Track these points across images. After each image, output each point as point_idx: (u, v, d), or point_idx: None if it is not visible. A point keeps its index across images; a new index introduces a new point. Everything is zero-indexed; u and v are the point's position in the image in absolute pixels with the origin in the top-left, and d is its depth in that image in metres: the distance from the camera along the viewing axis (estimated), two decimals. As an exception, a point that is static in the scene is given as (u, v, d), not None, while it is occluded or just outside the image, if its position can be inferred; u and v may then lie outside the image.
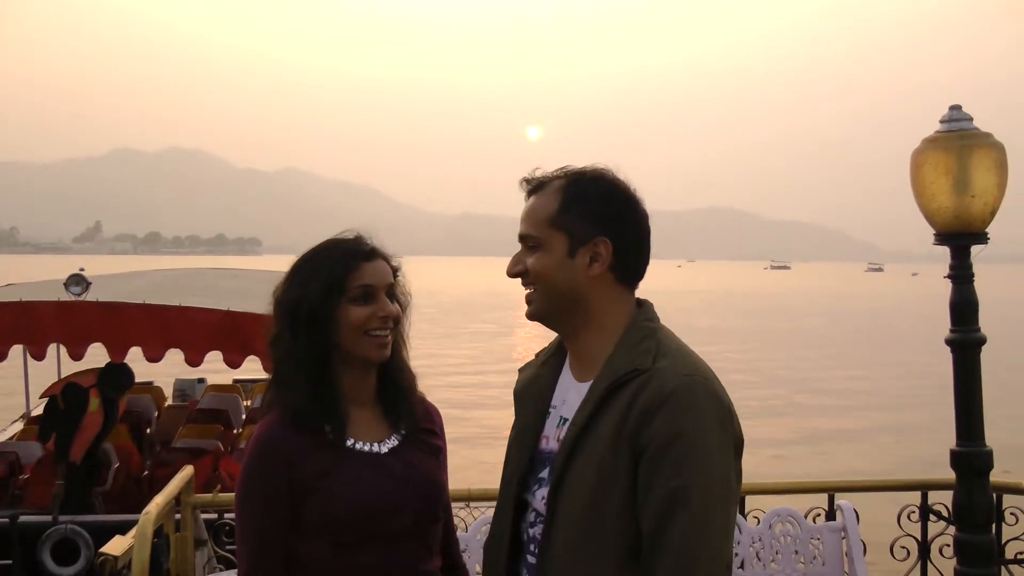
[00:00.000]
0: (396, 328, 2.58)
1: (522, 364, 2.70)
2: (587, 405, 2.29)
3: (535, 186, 2.43)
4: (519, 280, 2.45)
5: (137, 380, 14.86)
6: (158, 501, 4.04)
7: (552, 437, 2.41)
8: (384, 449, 2.58)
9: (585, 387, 2.36)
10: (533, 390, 2.52)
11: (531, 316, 2.43)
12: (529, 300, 2.41)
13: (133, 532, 3.75)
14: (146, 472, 10.18)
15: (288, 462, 2.46)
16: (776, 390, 29.97)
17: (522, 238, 2.41)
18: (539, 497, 2.38)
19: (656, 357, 2.26)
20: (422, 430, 2.68)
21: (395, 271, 2.62)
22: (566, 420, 2.37)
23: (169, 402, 13.83)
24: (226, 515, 5.60)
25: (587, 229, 2.35)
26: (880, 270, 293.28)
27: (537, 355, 2.65)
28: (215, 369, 10.91)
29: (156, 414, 12.93)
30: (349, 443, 2.53)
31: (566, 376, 2.47)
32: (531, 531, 2.41)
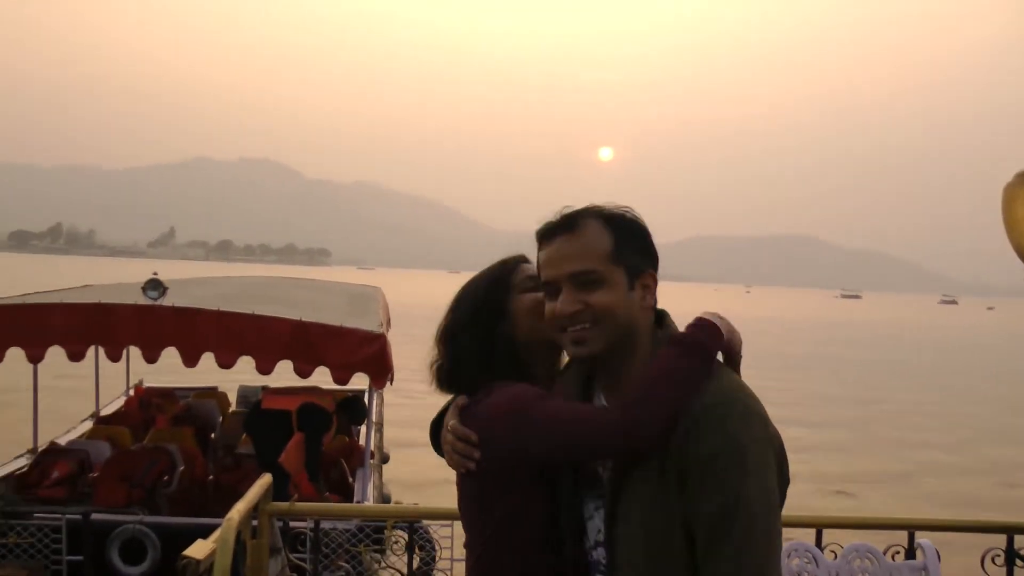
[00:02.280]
0: None
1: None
2: None
3: (566, 225, 2.41)
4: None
5: (200, 385, 15.08)
6: (240, 508, 4.04)
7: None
8: None
9: None
10: None
11: (587, 356, 2.40)
12: (582, 339, 2.37)
13: (215, 536, 3.77)
14: (211, 476, 10.27)
15: None
16: (854, 421, 29.31)
17: (576, 275, 2.36)
18: (597, 521, 2.41)
19: None
20: None
21: None
22: None
23: (232, 408, 13.96)
24: (292, 523, 5.59)
25: (640, 262, 2.42)
26: (954, 303, 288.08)
27: (559, 379, 2.65)
28: (280, 378, 10.94)
29: (220, 419, 13.05)
30: None
31: (599, 394, 2.49)
32: (594, 554, 2.43)
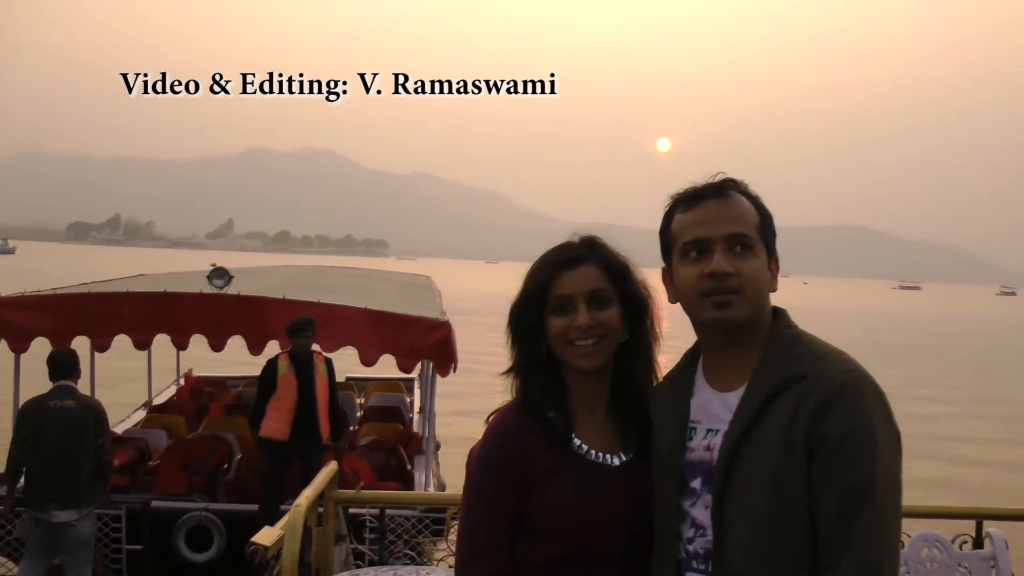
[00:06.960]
0: (607, 337, 2.46)
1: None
2: (743, 414, 2.27)
3: (719, 190, 2.36)
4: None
5: (248, 375, 15.19)
6: (307, 495, 4.07)
7: (699, 448, 2.37)
8: (614, 461, 2.48)
9: (730, 397, 2.34)
10: (668, 407, 2.45)
11: (729, 322, 2.32)
12: (726, 303, 2.29)
13: (282, 523, 3.79)
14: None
15: (518, 451, 2.42)
16: (931, 410, 28.79)
17: (734, 237, 2.31)
18: (701, 507, 2.33)
19: (811, 361, 2.25)
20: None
21: (617, 271, 2.51)
22: (714, 432, 2.34)
23: None
24: (351, 510, 5.62)
25: (772, 244, 2.40)
26: (1013, 294, 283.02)
27: (666, 377, 2.58)
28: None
29: None
30: (576, 443, 2.46)
31: (703, 388, 2.43)
32: (691, 547, 2.36)
